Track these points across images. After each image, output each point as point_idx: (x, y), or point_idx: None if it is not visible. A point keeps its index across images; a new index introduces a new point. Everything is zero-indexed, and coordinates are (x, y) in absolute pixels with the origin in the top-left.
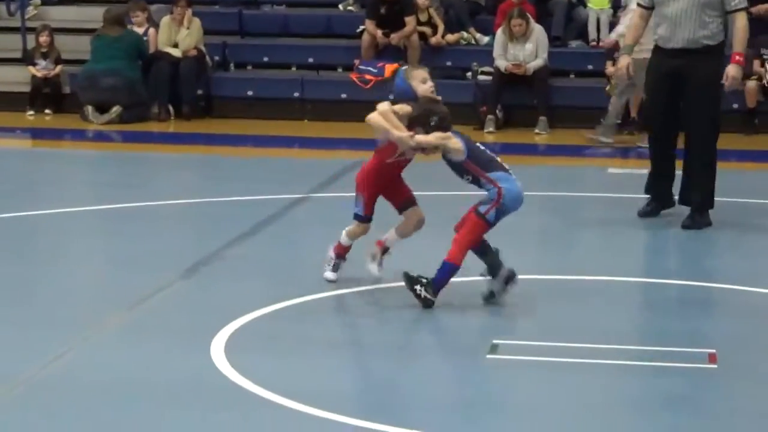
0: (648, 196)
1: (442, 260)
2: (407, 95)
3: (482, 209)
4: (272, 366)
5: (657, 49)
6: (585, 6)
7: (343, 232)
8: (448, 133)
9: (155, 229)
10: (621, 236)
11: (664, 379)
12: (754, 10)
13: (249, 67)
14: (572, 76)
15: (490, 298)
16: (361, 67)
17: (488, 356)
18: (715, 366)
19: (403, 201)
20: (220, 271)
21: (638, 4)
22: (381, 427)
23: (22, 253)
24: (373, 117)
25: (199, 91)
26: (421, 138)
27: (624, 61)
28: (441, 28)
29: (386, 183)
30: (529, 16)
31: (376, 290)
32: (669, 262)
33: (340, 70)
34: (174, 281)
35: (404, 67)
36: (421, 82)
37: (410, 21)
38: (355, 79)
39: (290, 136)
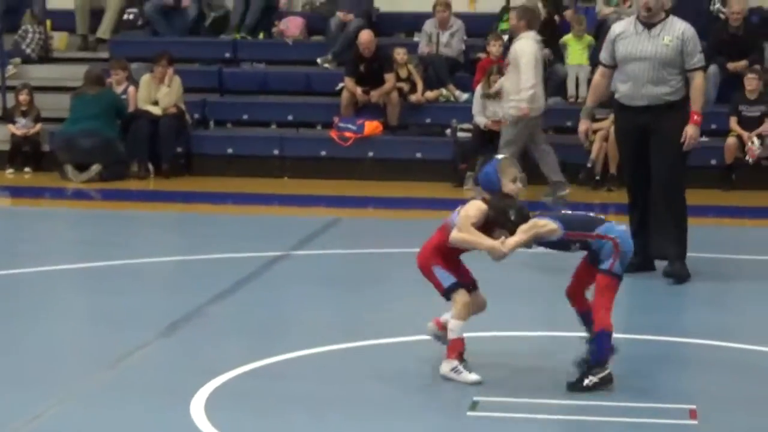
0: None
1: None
2: (491, 187)
3: (606, 266)
4: (253, 425)
5: (621, 107)
6: (563, 63)
7: (450, 321)
8: (533, 221)
9: (135, 287)
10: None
11: None
12: (731, 66)
13: (228, 125)
14: (550, 132)
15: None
16: (340, 124)
17: (469, 413)
18: (696, 422)
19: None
20: (200, 328)
21: (601, 64)
22: None
23: (1, 312)
24: (457, 238)
25: (179, 149)
26: (512, 242)
27: (583, 125)
28: (420, 85)
29: (446, 261)
30: None
31: (358, 348)
32: (647, 317)
33: (319, 127)
34: (154, 339)
35: (501, 158)
36: (511, 181)
37: (389, 78)
38: (335, 136)
39: (270, 194)
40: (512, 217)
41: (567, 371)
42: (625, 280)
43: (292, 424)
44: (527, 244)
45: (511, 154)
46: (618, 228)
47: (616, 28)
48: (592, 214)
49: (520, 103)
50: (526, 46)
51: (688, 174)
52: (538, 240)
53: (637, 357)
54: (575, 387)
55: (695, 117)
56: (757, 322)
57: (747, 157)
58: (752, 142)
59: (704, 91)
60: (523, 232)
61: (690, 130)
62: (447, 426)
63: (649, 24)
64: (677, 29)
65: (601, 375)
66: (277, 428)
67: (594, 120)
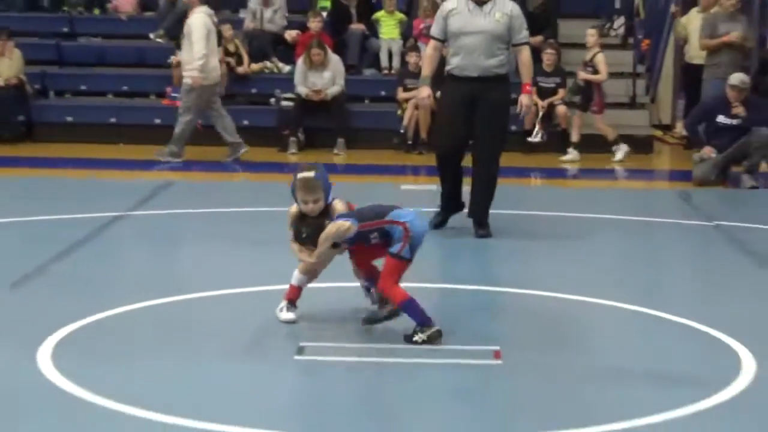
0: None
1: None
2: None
3: (395, 249)
4: (96, 371)
5: (452, 77)
6: (377, 37)
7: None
8: (328, 227)
9: None
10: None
11: (453, 374)
12: (532, 40)
13: (68, 95)
14: (367, 101)
15: (371, 321)
16: (173, 94)
17: (296, 357)
18: (500, 362)
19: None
20: (43, 285)
21: (432, 37)
22: (187, 422)
23: None
24: (302, 267)
25: (21, 117)
26: (316, 252)
27: (425, 91)
28: (246, 58)
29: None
30: (327, 46)
31: (188, 300)
32: (457, 268)
33: (152, 97)
34: (1, 294)
35: (297, 178)
36: (302, 202)
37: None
38: (167, 104)
39: (107, 159)
40: (303, 235)
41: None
42: (439, 234)
43: (131, 371)
44: (337, 245)
45: (190, 119)
46: (408, 213)
47: (448, 5)
48: (383, 203)
49: (192, 73)
50: (198, 20)
51: (505, 142)
52: (341, 241)
53: (445, 305)
54: (408, 341)
55: (527, 88)
56: (551, 272)
57: (532, 138)
58: (535, 133)
59: (531, 64)
60: (321, 243)
61: (525, 100)
62: (274, 370)
63: (479, 2)
64: (507, 7)
65: (428, 333)
66: (118, 374)
67: (405, 90)
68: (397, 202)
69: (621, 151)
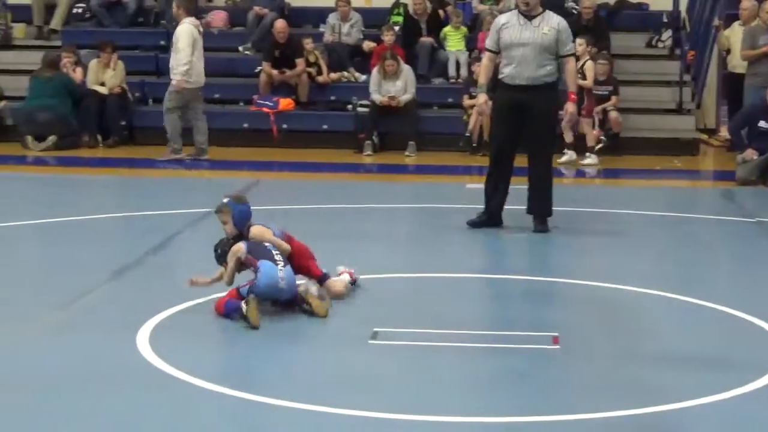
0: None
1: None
2: None
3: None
4: (191, 353)
5: (503, 85)
6: (445, 49)
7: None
8: (232, 250)
9: (85, 240)
10: (478, 240)
11: (513, 358)
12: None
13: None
14: (435, 107)
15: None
16: (259, 101)
17: (370, 342)
18: (558, 347)
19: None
20: (141, 274)
21: (486, 50)
22: (267, 400)
23: None
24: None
25: (123, 122)
26: (227, 272)
27: (482, 98)
28: (325, 68)
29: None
30: (399, 58)
31: None
32: (519, 261)
33: (241, 104)
34: (101, 284)
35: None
36: (223, 223)
37: (300, 62)
38: (254, 110)
39: (200, 159)
40: (219, 252)
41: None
42: (500, 230)
43: (222, 352)
44: (241, 263)
45: (173, 117)
46: (266, 265)
47: (501, 19)
48: (277, 252)
49: (176, 77)
50: (184, 30)
51: (555, 144)
52: (241, 262)
53: (507, 294)
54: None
55: (573, 96)
56: (604, 264)
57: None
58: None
59: (576, 74)
60: (230, 262)
61: (570, 108)
62: (351, 353)
63: (529, 16)
64: (554, 21)
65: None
66: (210, 356)
67: (470, 97)
68: (462, 200)
69: (591, 160)
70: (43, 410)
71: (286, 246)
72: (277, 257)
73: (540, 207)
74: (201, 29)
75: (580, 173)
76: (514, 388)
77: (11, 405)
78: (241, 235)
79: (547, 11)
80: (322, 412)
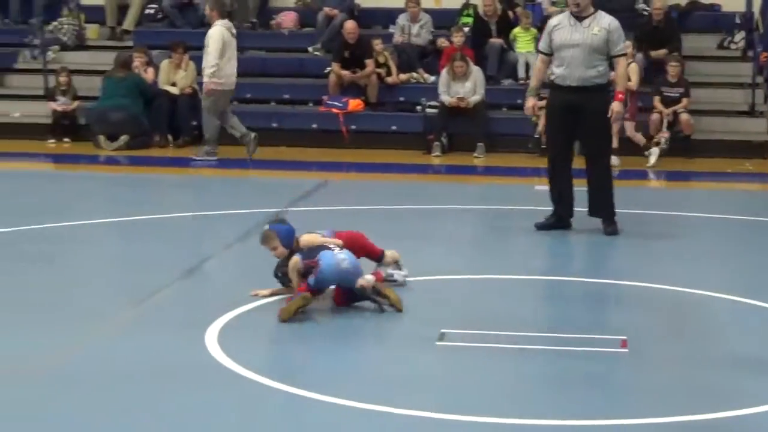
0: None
1: None
2: None
3: (310, 280)
4: (258, 351)
5: (555, 87)
6: (514, 50)
7: None
8: (290, 266)
9: (158, 238)
10: (545, 242)
11: (582, 361)
12: (653, 54)
13: (234, 102)
14: (504, 109)
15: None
16: (328, 102)
17: (437, 343)
18: (626, 350)
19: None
20: (213, 272)
21: (539, 52)
22: (333, 400)
23: (47, 259)
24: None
25: (193, 122)
26: (295, 286)
27: (530, 102)
28: (394, 69)
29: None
30: (469, 59)
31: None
32: (585, 263)
33: (310, 104)
34: (174, 281)
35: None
36: (272, 249)
37: (369, 63)
38: (323, 111)
39: (269, 160)
40: (279, 275)
41: (511, 308)
42: (562, 233)
43: (288, 352)
44: (301, 275)
45: (212, 120)
46: (324, 255)
47: (553, 21)
48: (330, 244)
49: (205, 79)
50: (215, 33)
51: (611, 144)
52: (303, 273)
53: (573, 296)
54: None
55: (620, 96)
56: (675, 268)
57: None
58: (658, 140)
59: (626, 75)
60: (291, 279)
61: (616, 107)
62: (422, 354)
63: (580, 17)
64: (605, 22)
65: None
66: (275, 355)
67: (541, 98)
68: (530, 201)
69: (654, 155)
70: (110, 405)
71: (338, 241)
72: (332, 246)
73: (603, 208)
74: (234, 31)
75: (647, 175)
76: (583, 391)
77: (80, 399)
78: (293, 251)
79: (599, 12)
80: (388, 413)
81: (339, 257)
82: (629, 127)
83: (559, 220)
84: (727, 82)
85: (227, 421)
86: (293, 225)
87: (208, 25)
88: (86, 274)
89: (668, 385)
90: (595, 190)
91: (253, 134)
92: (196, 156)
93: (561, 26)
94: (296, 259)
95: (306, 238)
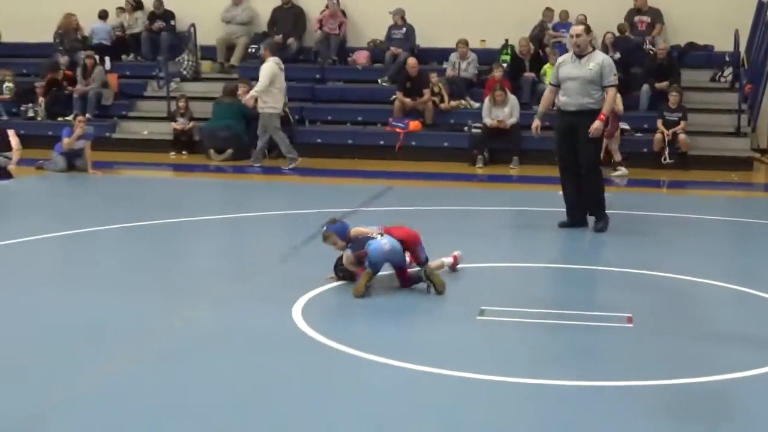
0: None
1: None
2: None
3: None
4: (336, 324)
5: (560, 111)
6: (544, 83)
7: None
8: (344, 261)
9: (258, 231)
10: (566, 237)
11: (595, 334)
12: (657, 85)
13: (318, 123)
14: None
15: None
16: (393, 123)
17: (478, 318)
18: (631, 325)
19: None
20: (301, 259)
21: (549, 84)
22: (398, 363)
23: (170, 246)
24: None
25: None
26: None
27: (535, 123)
28: (446, 97)
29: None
30: (506, 89)
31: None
32: (600, 254)
33: (379, 125)
34: (269, 267)
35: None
36: (332, 243)
37: (426, 92)
38: (389, 130)
39: (345, 169)
40: (340, 268)
41: (536, 290)
42: (580, 231)
43: (364, 324)
44: (357, 261)
45: (279, 133)
46: (371, 243)
47: (560, 59)
48: (376, 235)
49: (250, 99)
50: (267, 67)
51: (600, 156)
52: (357, 262)
53: (588, 281)
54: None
55: (602, 116)
56: (671, 258)
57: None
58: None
59: (613, 102)
60: (347, 264)
61: (596, 124)
62: (466, 327)
63: (580, 56)
64: (599, 59)
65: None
66: (348, 325)
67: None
68: (555, 204)
69: (621, 172)
70: (211, 363)
71: (378, 229)
72: (374, 235)
73: (594, 208)
74: (282, 66)
75: (654, 184)
76: (597, 358)
77: (180, 362)
78: (348, 241)
79: (596, 51)
80: (438, 374)
81: (382, 242)
82: (612, 143)
83: (574, 219)
84: (718, 108)
85: (309, 378)
86: (357, 223)
87: (299, 61)
88: (200, 259)
89: (667, 355)
90: (587, 192)
91: (297, 161)
92: (286, 167)
93: (565, 63)
94: (348, 253)
95: (354, 231)
